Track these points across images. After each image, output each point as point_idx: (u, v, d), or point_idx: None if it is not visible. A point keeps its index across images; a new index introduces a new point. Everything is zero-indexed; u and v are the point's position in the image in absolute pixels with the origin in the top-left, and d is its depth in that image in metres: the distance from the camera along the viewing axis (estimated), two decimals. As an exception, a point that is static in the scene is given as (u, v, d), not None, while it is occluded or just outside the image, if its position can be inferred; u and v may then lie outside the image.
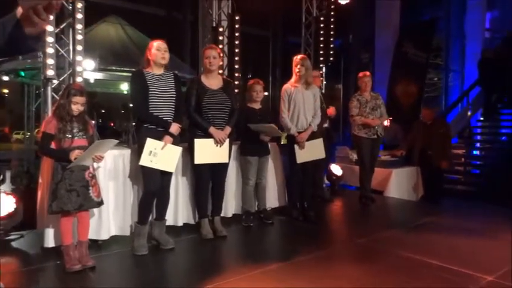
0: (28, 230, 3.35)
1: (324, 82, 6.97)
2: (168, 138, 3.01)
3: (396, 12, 8.63)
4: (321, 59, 6.90)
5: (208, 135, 3.32)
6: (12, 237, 3.29)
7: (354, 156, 5.40)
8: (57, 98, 3.48)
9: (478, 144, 8.60)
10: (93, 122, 2.98)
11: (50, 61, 3.96)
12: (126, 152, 3.34)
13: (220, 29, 5.92)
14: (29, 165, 4.82)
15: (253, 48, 8.30)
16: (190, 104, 3.35)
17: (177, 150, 3.08)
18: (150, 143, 2.94)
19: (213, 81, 3.45)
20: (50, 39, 3.95)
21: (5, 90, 17.85)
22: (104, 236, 3.19)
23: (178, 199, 3.61)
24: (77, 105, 2.66)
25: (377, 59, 8.76)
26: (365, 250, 3.20)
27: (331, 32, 6.95)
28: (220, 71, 4.50)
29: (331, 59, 7.01)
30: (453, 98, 10.57)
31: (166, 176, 3.12)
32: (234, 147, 3.72)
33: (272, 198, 4.29)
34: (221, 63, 4.05)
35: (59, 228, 2.74)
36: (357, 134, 4.72)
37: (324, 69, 6.96)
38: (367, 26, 8.95)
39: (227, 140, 3.38)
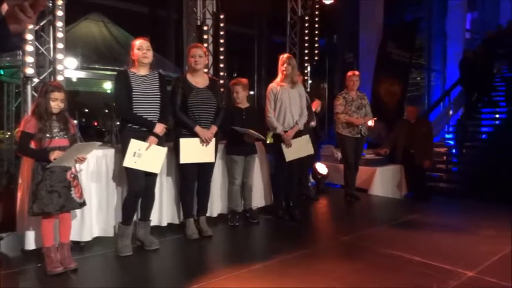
0: (8, 232, 3.26)
1: (309, 81, 7.02)
2: (153, 139, 2.96)
3: (380, 12, 8.74)
4: (306, 58, 6.95)
5: (194, 135, 3.29)
6: (-9, 239, 3.20)
7: (339, 155, 5.45)
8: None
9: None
10: (76, 121, 2.91)
11: (30, 59, 3.85)
12: (110, 152, 3.29)
13: (205, 28, 5.88)
14: (9, 165, 4.71)
15: (238, 47, 8.28)
16: (176, 103, 3.29)
17: (162, 150, 3.04)
18: (134, 144, 2.89)
19: (199, 80, 3.40)
20: (29, 37, 3.84)
21: (-17, 89, 17.36)
22: (87, 237, 3.13)
23: (162, 199, 3.57)
24: (57, 101, 2.59)
25: (361, 58, 8.86)
26: (349, 247, 3.24)
27: (316, 32, 7.00)
28: (205, 70, 4.46)
29: (316, 58, 7.06)
30: (435, 98, 10.79)
31: (151, 176, 3.07)
32: (220, 147, 3.70)
33: (258, 198, 4.28)
34: (207, 62, 4.01)
35: (40, 230, 2.68)
36: (340, 133, 4.75)
37: (309, 69, 7.00)
38: (351, 26, 9.05)
39: (213, 140, 3.35)
